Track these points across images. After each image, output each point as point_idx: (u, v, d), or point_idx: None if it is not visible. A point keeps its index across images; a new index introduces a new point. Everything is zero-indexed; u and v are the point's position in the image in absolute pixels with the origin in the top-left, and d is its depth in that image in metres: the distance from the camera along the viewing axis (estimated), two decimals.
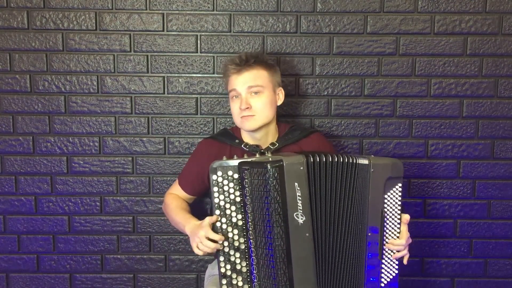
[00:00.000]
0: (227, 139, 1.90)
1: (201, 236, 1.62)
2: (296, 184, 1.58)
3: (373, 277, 1.70)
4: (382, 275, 1.72)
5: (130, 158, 2.25)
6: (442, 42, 2.19)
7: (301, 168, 1.59)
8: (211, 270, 1.99)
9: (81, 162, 2.24)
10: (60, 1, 2.15)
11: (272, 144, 1.86)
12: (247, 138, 1.89)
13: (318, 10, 2.17)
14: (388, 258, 1.72)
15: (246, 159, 1.65)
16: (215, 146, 1.90)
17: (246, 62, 1.82)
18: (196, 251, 1.65)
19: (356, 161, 1.66)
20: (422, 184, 2.27)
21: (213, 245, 1.61)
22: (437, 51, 2.19)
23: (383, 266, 1.72)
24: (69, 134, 2.23)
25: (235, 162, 1.63)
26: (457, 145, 2.25)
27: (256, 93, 1.80)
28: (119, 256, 2.30)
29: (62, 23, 2.17)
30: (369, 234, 1.67)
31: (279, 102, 1.90)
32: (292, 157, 1.63)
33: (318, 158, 1.62)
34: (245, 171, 1.60)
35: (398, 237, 1.71)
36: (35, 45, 2.18)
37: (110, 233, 2.28)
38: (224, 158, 1.66)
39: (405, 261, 1.75)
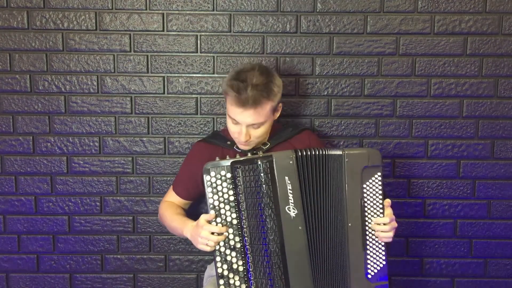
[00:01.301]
0: (219, 141, 1.92)
1: (205, 236, 1.64)
2: (286, 178, 1.63)
3: (358, 268, 1.69)
4: (368, 266, 1.71)
5: (130, 158, 2.25)
6: (442, 42, 2.19)
7: (291, 162, 1.64)
8: (210, 271, 1.99)
9: (81, 162, 2.24)
10: (60, 1, 2.16)
11: (264, 144, 1.88)
12: None
13: (318, 10, 2.16)
14: (373, 249, 1.71)
15: (238, 158, 1.69)
16: (208, 149, 1.92)
17: (248, 100, 1.69)
18: (206, 248, 1.66)
19: (327, 152, 1.68)
20: (422, 184, 2.27)
21: (221, 237, 1.64)
22: (437, 51, 2.19)
23: (368, 257, 1.71)
24: (69, 134, 2.23)
25: (227, 162, 1.66)
26: (457, 145, 2.25)
27: (257, 127, 1.77)
28: (119, 256, 2.30)
29: (62, 23, 2.17)
30: (350, 224, 1.68)
31: (276, 116, 1.85)
32: (281, 152, 1.68)
33: (305, 153, 1.66)
34: (237, 170, 1.64)
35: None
36: (35, 45, 2.18)
37: (110, 233, 2.28)
38: (217, 158, 1.69)
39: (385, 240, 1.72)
